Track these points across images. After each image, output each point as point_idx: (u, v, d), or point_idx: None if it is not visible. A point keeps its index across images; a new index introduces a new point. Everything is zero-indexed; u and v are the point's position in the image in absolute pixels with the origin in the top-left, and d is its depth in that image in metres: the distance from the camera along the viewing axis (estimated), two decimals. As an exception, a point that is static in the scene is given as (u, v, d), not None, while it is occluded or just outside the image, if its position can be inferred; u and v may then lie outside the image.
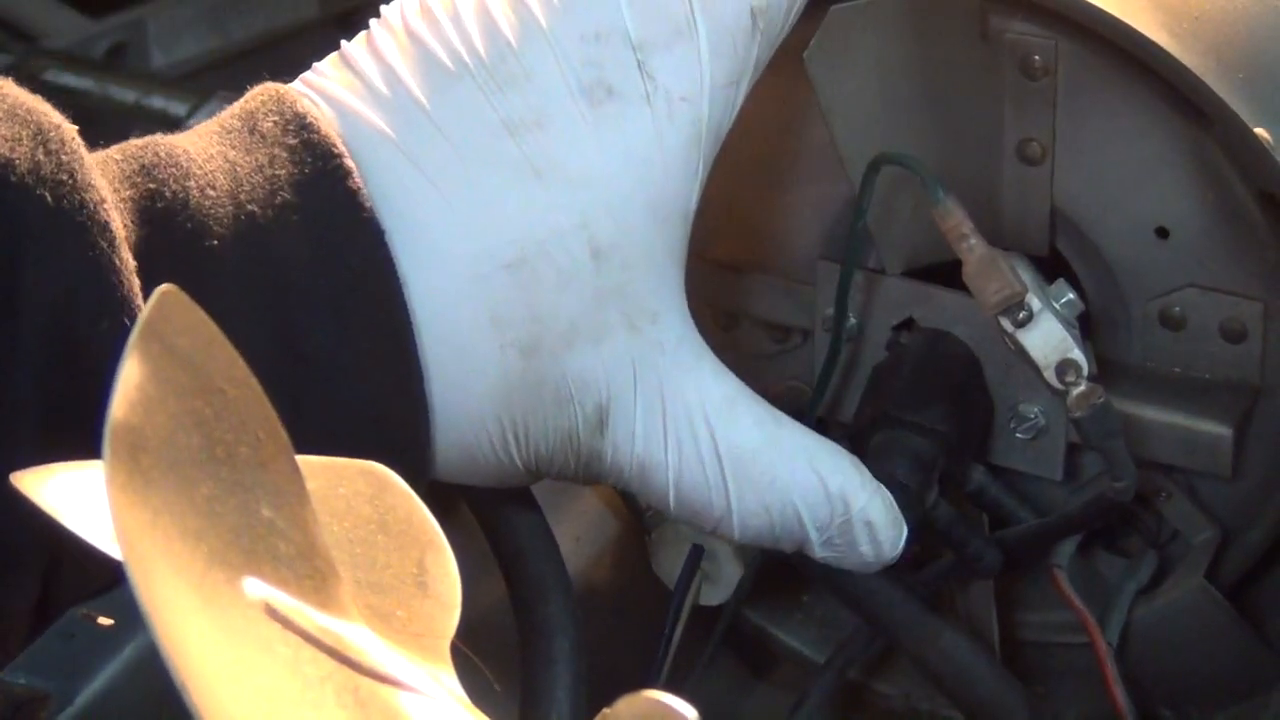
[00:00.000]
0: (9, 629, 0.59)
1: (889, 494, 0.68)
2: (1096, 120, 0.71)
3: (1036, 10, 0.70)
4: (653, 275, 0.64)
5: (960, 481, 0.76)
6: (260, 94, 0.65)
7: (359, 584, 0.49)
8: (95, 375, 0.58)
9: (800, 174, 0.77)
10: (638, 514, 0.81)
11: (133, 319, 0.58)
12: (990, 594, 0.78)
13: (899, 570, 0.74)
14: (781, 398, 0.79)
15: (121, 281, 0.58)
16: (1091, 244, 0.74)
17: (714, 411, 0.65)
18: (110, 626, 0.53)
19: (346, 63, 0.65)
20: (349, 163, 0.62)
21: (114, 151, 0.63)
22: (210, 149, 0.63)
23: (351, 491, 0.51)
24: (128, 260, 0.59)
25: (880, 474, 0.69)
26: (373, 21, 0.66)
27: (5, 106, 0.59)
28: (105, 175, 0.61)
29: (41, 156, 0.58)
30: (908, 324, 0.77)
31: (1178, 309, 0.73)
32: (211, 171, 0.62)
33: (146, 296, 0.59)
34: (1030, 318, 0.70)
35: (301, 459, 0.45)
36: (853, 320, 0.77)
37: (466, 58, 0.63)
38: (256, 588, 0.41)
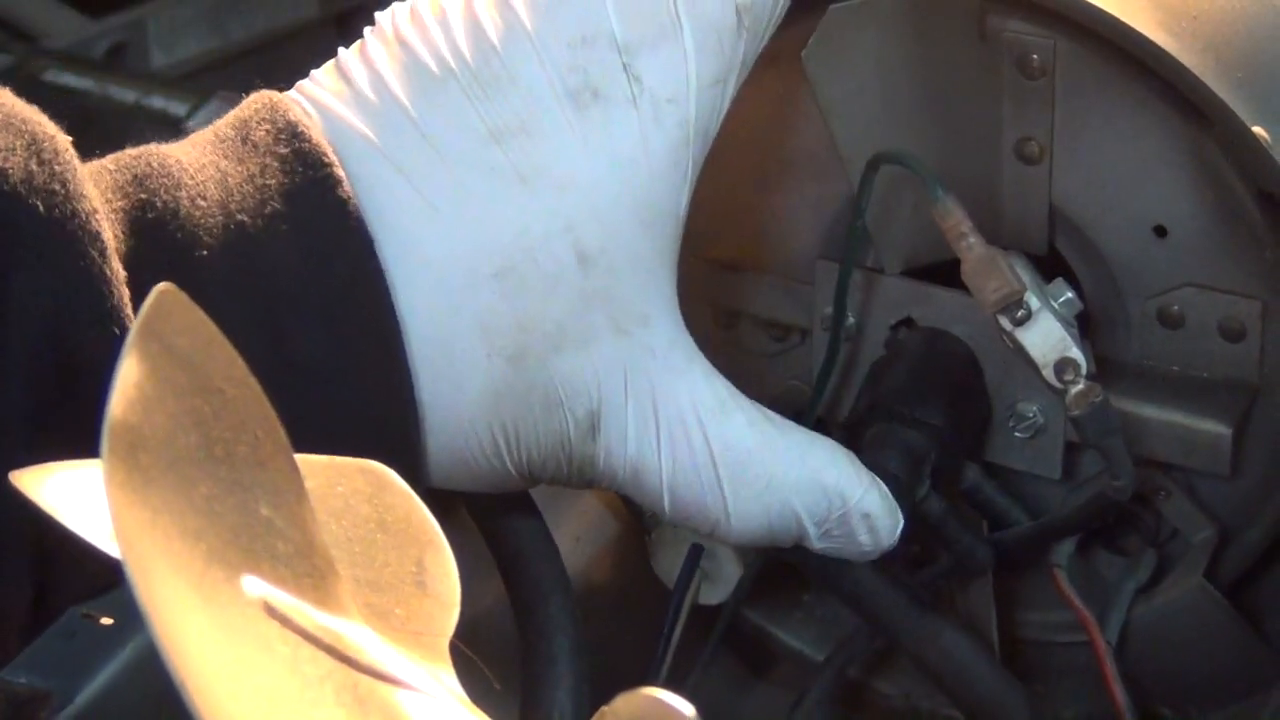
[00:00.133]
0: (6, 627, 0.59)
1: (884, 485, 0.68)
2: (1095, 119, 0.72)
3: (1035, 9, 0.70)
4: (641, 279, 0.64)
5: (954, 479, 0.76)
6: (255, 102, 0.65)
7: (358, 582, 0.49)
8: (85, 384, 0.59)
9: (799, 173, 0.77)
10: (637, 514, 0.81)
11: (122, 329, 0.59)
12: (990, 593, 0.78)
13: (898, 570, 0.75)
14: (781, 397, 0.80)
15: (111, 291, 0.59)
16: (1090, 243, 0.74)
17: (707, 414, 0.65)
18: (110, 626, 0.53)
19: (339, 70, 0.65)
20: (339, 172, 0.62)
21: (108, 162, 0.63)
22: (203, 159, 0.63)
23: (350, 490, 0.52)
24: (118, 270, 0.59)
25: (872, 464, 0.69)
26: (367, 30, 0.66)
27: (0, 116, 0.60)
28: (98, 185, 0.61)
29: (35, 166, 0.59)
30: (907, 323, 0.77)
31: (1176, 308, 0.73)
32: (203, 181, 0.62)
33: (136, 306, 0.59)
34: (1029, 316, 0.71)
35: (300, 458, 0.45)
36: (851, 319, 0.77)
37: (453, 64, 0.64)
38: (255, 586, 0.41)
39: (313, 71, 0.66)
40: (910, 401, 0.74)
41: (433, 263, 0.62)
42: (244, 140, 0.63)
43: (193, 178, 0.62)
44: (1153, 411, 0.74)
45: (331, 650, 0.42)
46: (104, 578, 0.52)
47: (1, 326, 0.58)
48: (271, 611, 0.41)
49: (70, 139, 0.61)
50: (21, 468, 0.57)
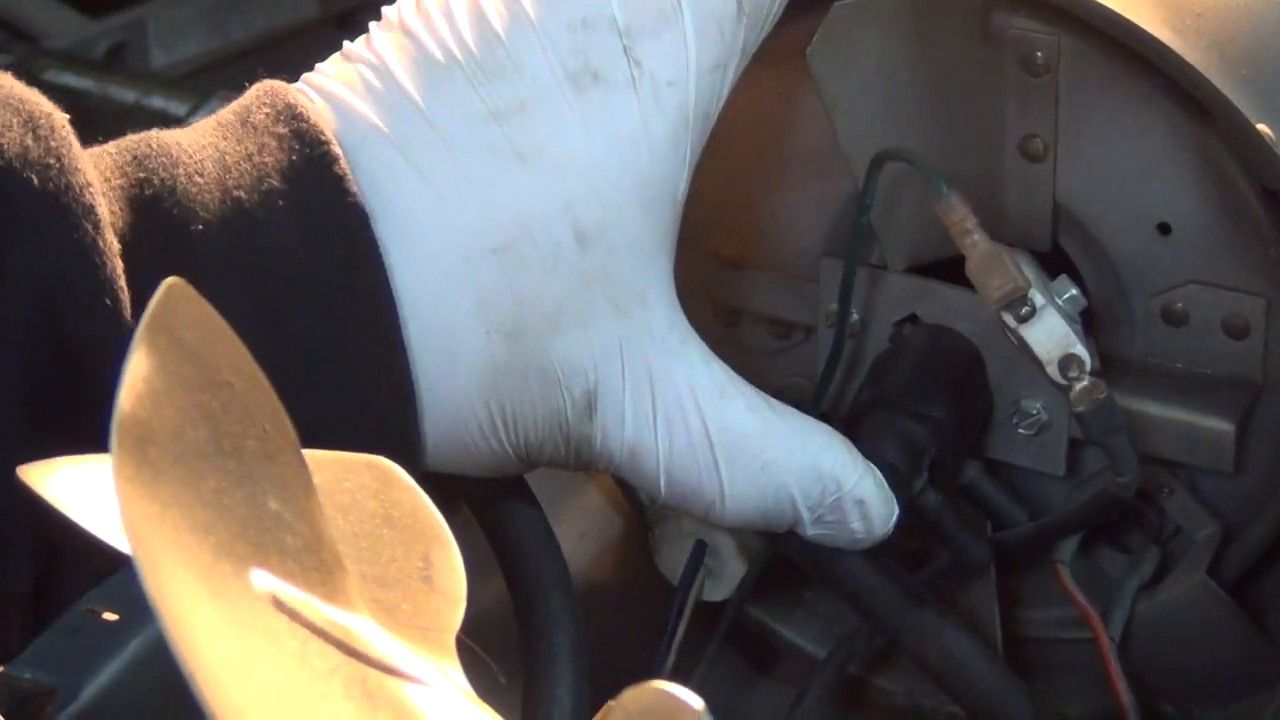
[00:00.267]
0: (6, 612, 0.60)
1: (879, 473, 0.69)
2: (1099, 116, 0.72)
3: (1039, 6, 0.70)
4: (639, 260, 0.65)
5: (954, 474, 0.76)
6: (256, 89, 0.66)
7: (364, 578, 0.49)
8: (78, 355, 0.59)
9: (802, 171, 0.77)
10: (640, 510, 0.81)
11: (114, 301, 0.59)
12: (993, 590, 0.78)
13: (899, 568, 0.75)
14: (783, 393, 0.79)
15: (105, 263, 0.59)
16: (1094, 240, 0.74)
17: (704, 395, 0.65)
18: (115, 622, 0.53)
19: (344, 59, 0.66)
20: (335, 149, 0.63)
21: (110, 146, 0.64)
22: (202, 140, 0.64)
23: (357, 486, 0.52)
24: (111, 243, 0.60)
25: (870, 454, 0.69)
26: (372, 24, 0.67)
27: None
28: (98, 166, 0.62)
29: (30, 141, 0.59)
30: (911, 319, 0.77)
31: (1180, 305, 0.73)
32: (201, 160, 0.63)
33: (132, 280, 0.60)
34: (1033, 313, 0.71)
35: (307, 453, 0.45)
36: (856, 316, 0.77)
37: (456, 50, 0.64)
38: (264, 580, 0.41)
39: (318, 65, 0.67)
40: (912, 395, 0.74)
41: (431, 239, 0.63)
42: (243, 123, 0.64)
43: (191, 157, 0.63)
44: (1156, 408, 0.74)
45: (340, 644, 0.42)
46: (107, 566, 0.52)
47: None
48: (280, 605, 0.41)
49: (68, 116, 0.61)
50: (17, 439, 0.58)
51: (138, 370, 0.40)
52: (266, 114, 0.64)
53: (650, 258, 0.65)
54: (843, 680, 0.81)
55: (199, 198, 0.62)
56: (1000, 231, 0.73)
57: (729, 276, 0.80)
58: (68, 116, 0.61)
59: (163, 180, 0.62)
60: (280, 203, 0.62)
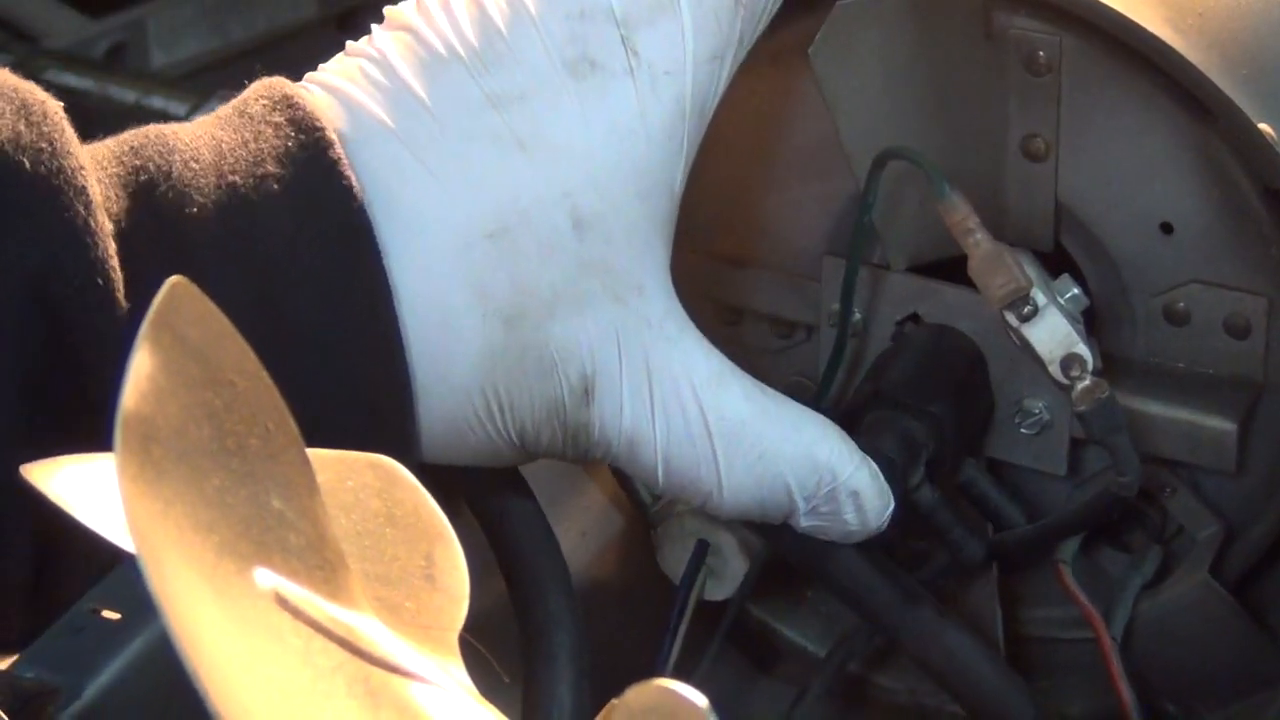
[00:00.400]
0: (6, 607, 0.60)
1: (875, 465, 0.69)
2: (1101, 116, 0.72)
3: (1041, 6, 0.70)
4: (636, 248, 0.65)
5: (951, 472, 0.76)
6: (256, 84, 0.66)
7: (367, 577, 0.49)
8: (71, 335, 0.59)
9: (804, 170, 0.77)
10: (642, 509, 0.81)
11: (106, 281, 0.60)
12: (995, 590, 0.78)
13: (900, 568, 0.75)
14: (786, 393, 0.79)
15: (96, 243, 0.60)
16: (1096, 240, 0.74)
17: (701, 384, 0.66)
18: (117, 621, 0.53)
19: (346, 56, 0.67)
20: (330, 135, 0.63)
21: (108, 140, 0.64)
22: (199, 130, 0.65)
23: (359, 485, 0.52)
24: (104, 224, 0.60)
25: (867, 448, 0.69)
26: (375, 26, 0.67)
27: None
28: (95, 157, 0.62)
29: (23, 127, 0.60)
30: (913, 319, 0.77)
31: (1182, 304, 0.73)
32: (197, 147, 0.63)
33: (127, 263, 0.60)
34: (1035, 312, 0.71)
35: (310, 452, 0.45)
36: (857, 315, 0.77)
37: (456, 42, 0.65)
38: (267, 578, 0.41)
39: (322, 65, 0.67)
40: (911, 391, 0.74)
41: (428, 224, 0.63)
42: (240, 114, 0.65)
43: (187, 144, 0.63)
44: (1158, 408, 0.74)
45: (344, 642, 0.42)
46: (106, 555, 0.52)
47: None
48: (283, 603, 0.41)
49: (62, 104, 0.62)
50: (11, 419, 0.58)
51: (141, 368, 0.40)
52: (264, 104, 0.64)
53: (647, 246, 0.65)
54: (844, 679, 0.81)
55: (194, 182, 0.62)
56: (1002, 231, 0.73)
57: (731, 275, 0.80)
58: (62, 104, 0.62)
59: (158, 166, 0.62)
60: (275, 187, 0.62)
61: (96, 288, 0.59)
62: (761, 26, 0.67)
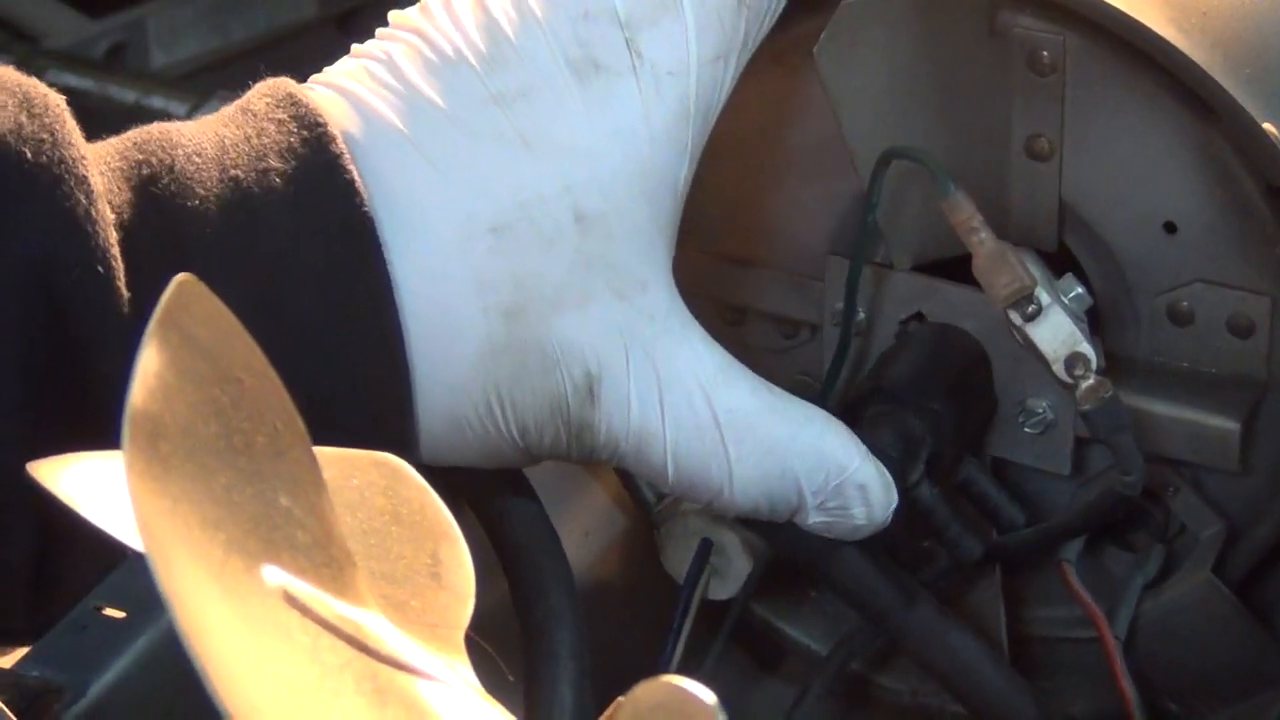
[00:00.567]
0: (9, 594, 0.60)
1: (878, 460, 0.69)
2: (1104, 116, 0.72)
3: (1045, 5, 0.70)
4: (639, 246, 0.65)
5: (951, 470, 0.76)
6: (260, 84, 0.67)
7: (373, 575, 0.49)
8: (72, 323, 0.60)
9: (808, 169, 0.77)
10: (646, 509, 0.81)
11: (106, 269, 0.60)
12: (998, 590, 0.78)
13: (902, 568, 0.75)
14: (790, 393, 0.79)
15: (97, 232, 0.60)
16: (1099, 239, 0.74)
17: (708, 379, 0.66)
18: (122, 619, 0.53)
19: (351, 58, 0.67)
20: (332, 130, 0.63)
21: (113, 138, 0.65)
22: (202, 127, 0.65)
23: (365, 483, 0.52)
24: (104, 213, 0.60)
25: (867, 443, 0.69)
26: (379, 29, 0.67)
27: None
28: (98, 152, 0.63)
29: (24, 119, 0.60)
30: (917, 318, 0.77)
31: (1185, 304, 0.73)
32: (200, 143, 0.64)
33: (128, 254, 0.60)
34: (1039, 311, 0.71)
35: (315, 450, 0.45)
36: (861, 315, 0.77)
37: (461, 42, 0.65)
38: (275, 575, 0.41)
39: (326, 67, 0.67)
40: (912, 388, 0.74)
41: (430, 219, 0.63)
42: (244, 111, 0.65)
43: (190, 140, 0.64)
44: (1162, 407, 0.74)
45: (351, 640, 0.42)
46: (108, 545, 0.52)
47: None
48: (291, 601, 0.41)
49: (64, 98, 0.62)
50: (13, 405, 0.59)
51: (149, 365, 0.40)
52: (266, 102, 0.65)
53: (650, 245, 0.65)
54: (846, 678, 0.81)
55: (196, 176, 0.62)
56: (1006, 230, 0.73)
57: (735, 275, 0.80)
58: (64, 98, 0.62)
59: (160, 160, 0.63)
60: (277, 181, 0.63)
61: (97, 276, 0.60)
62: (766, 27, 0.67)
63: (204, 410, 0.42)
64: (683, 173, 0.66)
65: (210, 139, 0.64)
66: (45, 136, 0.60)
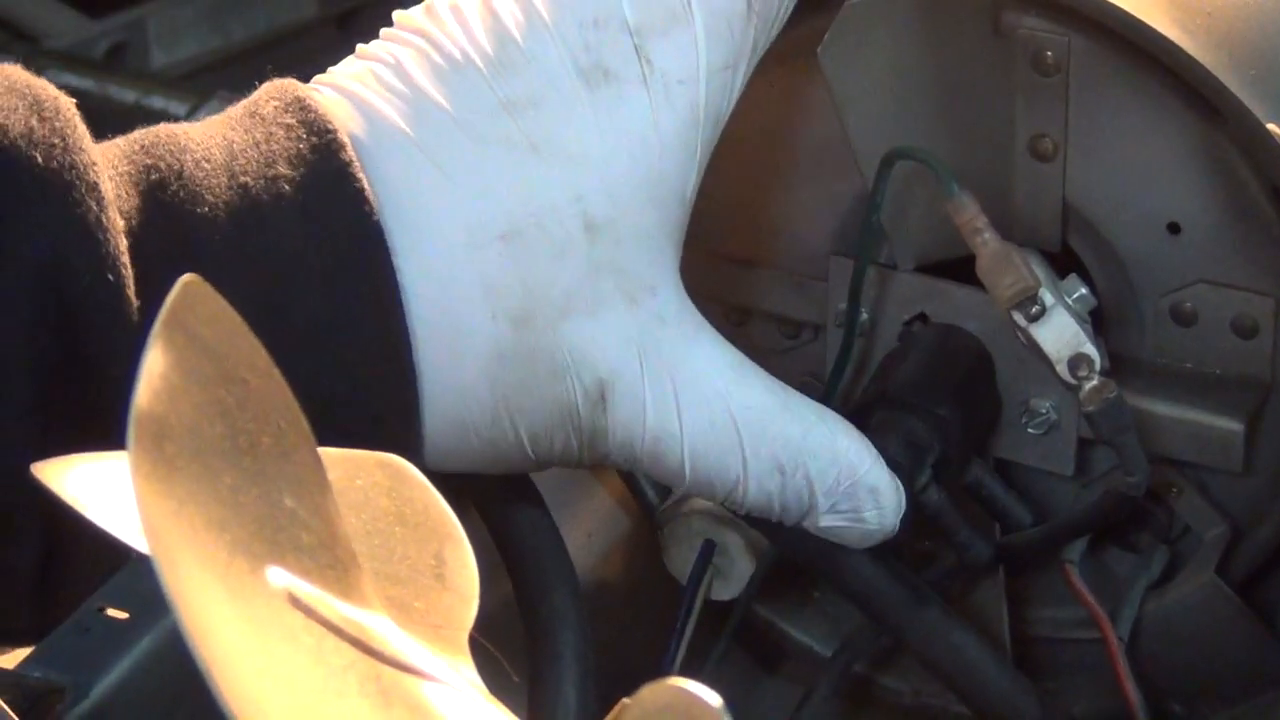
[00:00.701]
0: (14, 595, 0.60)
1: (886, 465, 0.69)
2: (1108, 116, 0.72)
3: (1049, 6, 0.70)
4: (648, 251, 0.65)
5: (958, 473, 0.76)
6: (266, 86, 0.67)
7: (377, 576, 0.49)
8: (81, 330, 0.60)
9: (811, 169, 0.77)
10: (649, 509, 0.81)
11: (117, 276, 0.60)
12: (1001, 590, 0.78)
13: (905, 568, 0.74)
14: (794, 393, 0.80)
15: (108, 239, 0.60)
16: (1103, 240, 0.74)
17: (723, 378, 0.66)
18: (125, 620, 0.53)
19: (357, 59, 0.67)
20: (342, 137, 0.63)
21: (118, 139, 0.64)
22: (210, 130, 0.65)
23: (369, 483, 0.51)
24: (115, 220, 0.60)
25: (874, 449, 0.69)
26: (384, 29, 0.67)
27: (6, 83, 0.61)
28: (106, 155, 0.62)
29: (35, 123, 0.60)
30: (920, 319, 0.77)
31: (1189, 304, 0.73)
32: (208, 147, 0.63)
33: (138, 261, 0.60)
34: (1043, 312, 0.71)
35: (320, 451, 0.45)
36: (865, 315, 0.77)
37: (469, 48, 0.65)
38: (280, 577, 0.41)
39: (332, 68, 0.67)
40: (917, 392, 0.74)
41: (439, 226, 0.63)
42: (252, 115, 0.65)
43: (198, 144, 0.63)
44: (1165, 408, 0.74)
45: (356, 641, 0.42)
46: (112, 548, 0.52)
47: (1, 273, 0.59)
48: (296, 602, 0.41)
49: (74, 101, 0.62)
50: (22, 411, 0.59)
51: (154, 366, 0.40)
52: (275, 106, 0.64)
53: (659, 250, 0.65)
54: (849, 679, 0.81)
55: (205, 182, 0.62)
56: (1010, 231, 0.73)
57: (738, 275, 0.80)
58: (74, 101, 0.62)
59: (169, 165, 0.62)
60: (286, 188, 0.62)
61: (107, 284, 0.59)
62: (774, 33, 0.67)
63: (209, 411, 0.42)
64: (691, 179, 0.66)
65: (218, 144, 0.63)
66: (57, 141, 0.60)
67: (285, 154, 0.63)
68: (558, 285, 0.64)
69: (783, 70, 0.74)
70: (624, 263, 0.64)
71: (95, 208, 0.60)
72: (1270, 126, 0.67)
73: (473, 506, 0.71)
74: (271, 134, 0.63)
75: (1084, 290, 0.73)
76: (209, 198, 0.62)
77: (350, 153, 0.63)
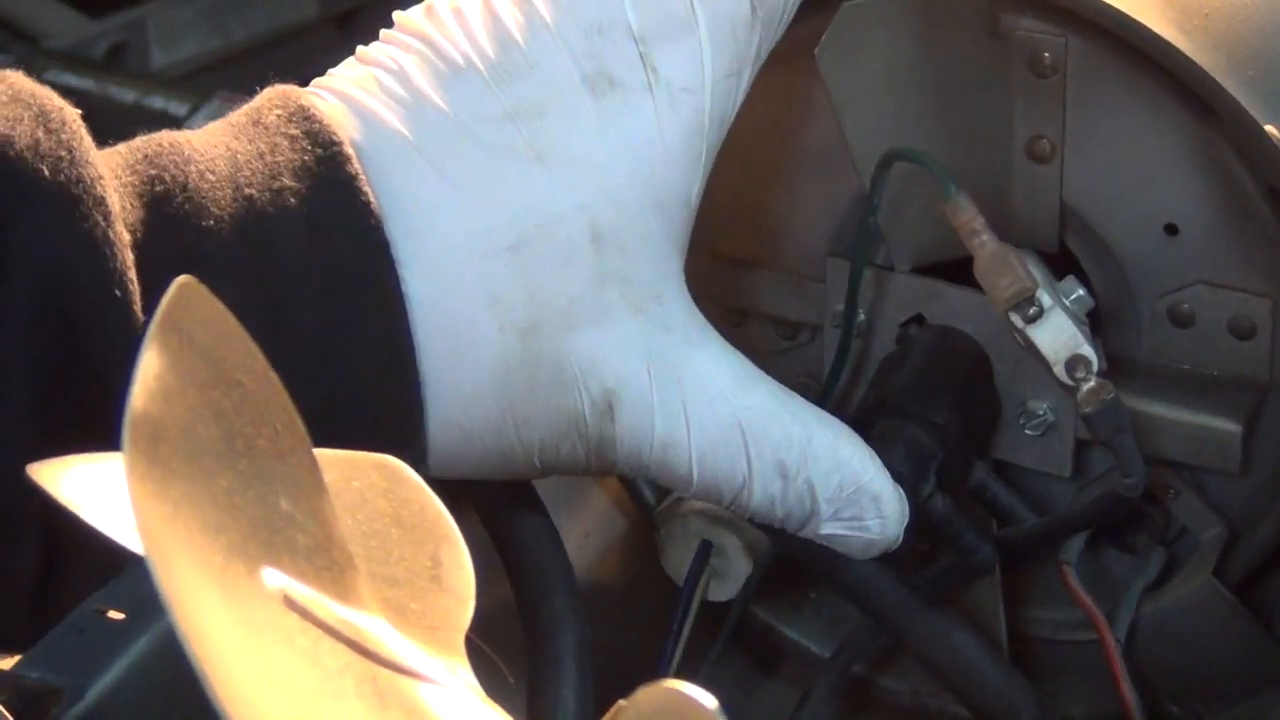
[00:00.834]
0: (12, 605, 0.60)
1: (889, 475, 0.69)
2: (1106, 117, 0.72)
3: (1046, 7, 0.70)
4: (653, 259, 0.65)
5: (961, 477, 0.76)
6: (267, 92, 0.66)
7: (374, 577, 0.49)
8: (87, 345, 0.59)
9: (809, 170, 0.77)
10: (646, 510, 0.81)
11: (123, 291, 0.59)
12: (999, 591, 0.78)
13: (904, 568, 0.74)
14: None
15: (114, 254, 0.60)
16: (1101, 241, 0.74)
17: (728, 382, 0.66)
18: (122, 621, 0.53)
19: (358, 63, 0.67)
20: (347, 149, 0.63)
21: (120, 146, 0.64)
22: (214, 139, 0.64)
23: (365, 485, 0.51)
24: (121, 234, 0.60)
25: None
26: (384, 30, 0.67)
27: (10, 92, 0.61)
28: (110, 165, 0.62)
29: (41, 134, 0.60)
30: (918, 320, 0.77)
31: (1186, 306, 0.73)
32: (213, 158, 0.63)
33: (143, 274, 0.60)
34: (1040, 313, 0.71)
35: (316, 452, 0.45)
36: (862, 317, 0.77)
37: (472, 53, 0.64)
38: (276, 579, 0.41)
39: (331, 69, 0.67)
40: (918, 399, 0.74)
41: (444, 236, 0.63)
42: (255, 124, 0.64)
43: (202, 155, 0.63)
44: (1163, 409, 0.74)
45: (351, 643, 0.42)
46: (111, 556, 0.52)
47: (4, 285, 0.59)
48: (291, 604, 0.41)
49: (80, 112, 0.62)
50: (26, 426, 0.58)
51: (150, 368, 0.40)
52: (279, 115, 0.64)
53: (663, 257, 0.65)
54: (848, 680, 0.81)
55: (210, 194, 0.62)
56: (1007, 232, 0.73)
57: (735, 277, 0.80)
58: (79, 112, 0.62)
59: (174, 177, 0.62)
60: (292, 201, 0.62)
61: (115, 299, 0.59)
62: (777, 37, 0.67)
63: (205, 413, 0.42)
64: (695, 185, 0.66)
65: (223, 154, 0.63)
66: (63, 154, 0.60)
67: (290, 166, 0.63)
68: (564, 294, 0.64)
69: (780, 71, 0.74)
70: (630, 271, 0.64)
71: (102, 222, 0.59)
72: (1267, 128, 0.67)
73: (472, 509, 0.71)
74: (276, 145, 0.63)
75: (1081, 291, 0.73)
76: (214, 210, 0.62)
77: (355, 165, 0.63)
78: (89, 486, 0.47)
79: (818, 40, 0.72)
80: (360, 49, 0.67)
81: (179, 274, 0.60)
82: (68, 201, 0.59)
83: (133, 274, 0.60)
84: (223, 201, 0.62)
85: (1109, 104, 0.71)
